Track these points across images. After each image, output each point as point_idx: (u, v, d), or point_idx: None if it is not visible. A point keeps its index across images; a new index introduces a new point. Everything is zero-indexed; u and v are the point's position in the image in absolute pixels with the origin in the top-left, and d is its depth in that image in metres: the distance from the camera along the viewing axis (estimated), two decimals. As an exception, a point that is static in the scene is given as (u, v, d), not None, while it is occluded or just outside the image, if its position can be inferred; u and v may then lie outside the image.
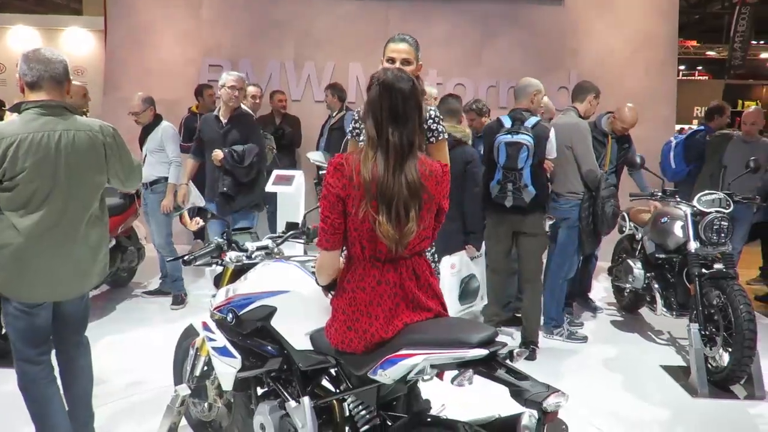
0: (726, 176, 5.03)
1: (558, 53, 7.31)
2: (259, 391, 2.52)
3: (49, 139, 2.47)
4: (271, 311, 2.26)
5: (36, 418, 2.65)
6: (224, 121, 4.58)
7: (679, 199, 4.47)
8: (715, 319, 3.94)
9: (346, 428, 2.20)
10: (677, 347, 4.64)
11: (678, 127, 9.20)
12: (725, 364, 3.82)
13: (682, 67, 21.55)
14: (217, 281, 2.70)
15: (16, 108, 2.56)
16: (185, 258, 2.49)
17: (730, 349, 3.79)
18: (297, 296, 2.22)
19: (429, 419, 2.00)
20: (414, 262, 1.99)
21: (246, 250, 2.53)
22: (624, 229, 5.29)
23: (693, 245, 4.17)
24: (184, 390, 2.79)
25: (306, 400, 2.16)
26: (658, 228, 4.62)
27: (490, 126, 4.40)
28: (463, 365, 1.75)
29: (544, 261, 4.63)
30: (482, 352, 1.72)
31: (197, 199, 5.39)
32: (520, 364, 1.82)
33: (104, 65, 7.95)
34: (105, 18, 8.14)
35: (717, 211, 4.16)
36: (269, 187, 5.26)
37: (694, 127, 7.37)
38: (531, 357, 4.18)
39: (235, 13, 7.36)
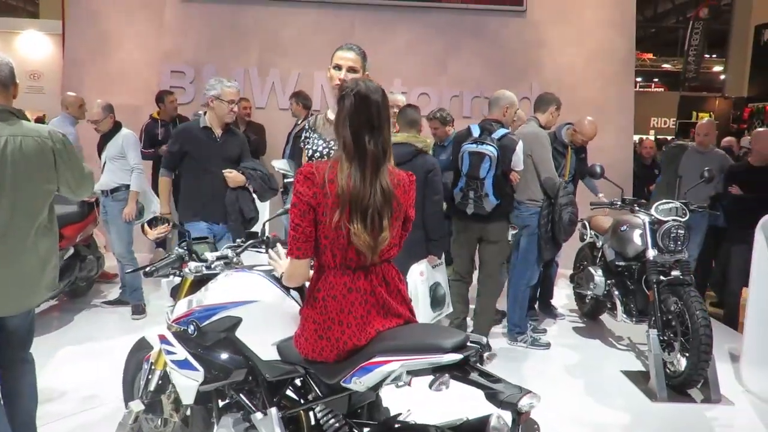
0: (681, 186, 5.18)
1: (520, 64, 7.44)
2: (220, 403, 2.46)
3: None
4: (236, 322, 2.21)
5: None
6: (218, 134, 4.07)
7: (637, 208, 4.58)
8: (672, 324, 4.04)
9: None
10: (637, 352, 4.74)
11: (636, 137, 9.43)
12: (683, 369, 3.92)
13: (638, 79, 22.16)
14: (174, 293, 2.61)
15: None
16: (147, 269, 2.41)
17: (687, 354, 3.89)
18: (264, 306, 2.18)
19: (399, 425, 2.00)
20: (384, 269, 2.01)
21: (205, 261, 2.46)
22: (585, 237, 5.39)
23: (651, 253, 4.27)
24: (138, 406, 2.67)
25: (273, 410, 2.13)
26: (617, 236, 4.73)
27: (460, 134, 4.52)
28: (437, 370, 1.77)
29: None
30: (457, 356, 1.74)
31: (158, 207, 5.30)
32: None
33: (63, 70, 7.78)
34: (63, 22, 7.99)
35: (674, 220, 4.28)
36: (233, 195, 5.21)
37: (651, 137, 7.59)
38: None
39: (198, 19, 7.28)
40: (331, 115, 2.86)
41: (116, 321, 4.99)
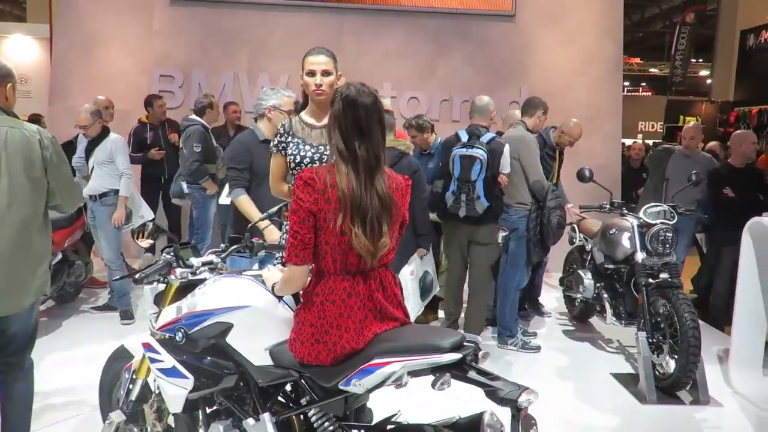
0: (669, 189, 5.22)
1: (509, 68, 7.48)
2: (208, 410, 2.42)
3: None
4: (227, 328, 2.18)
5: None
6: None
7: (626, 211, 4.61)
8: (661, 327, 4.07)
9: None
10: (626, 355, 4.76)
11: (623, 141, 9.51)
12: (672, 371, 3.94)
13: (626, 84, 22.33)
14: (158, 299, 2.56)
15: None
16: (136, 276, 2.35)
17: (676, 356, 3.92)
18: (256, 311, 2.17)
19: (392, 425, 2.01)
20: (381, 274, 2.03)
21: (191, 266, 2.41)
22: (574, 240, 5.42)
23: (640, 256, 4.29)
24: (119, 417, 2.61)
25: (267, 416, 2.12)
26: (606, 239, 4.76)
27: (449, 140, 4.63)
28: (436, 370, 1.81)
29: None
30: (456, 356, 1.79)
31: (146, 212, 5.27)
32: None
33: (50, 74, 7.73)
34: (50, 26, 7.93)
35: (662, 223, 4.31)
36: (223, 200, 5.19)
37: (639, 142, 7.66)
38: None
39: (187, 23, 7.26)
40: (307, 118, 2.86)
41: (105, 326, 4.94)
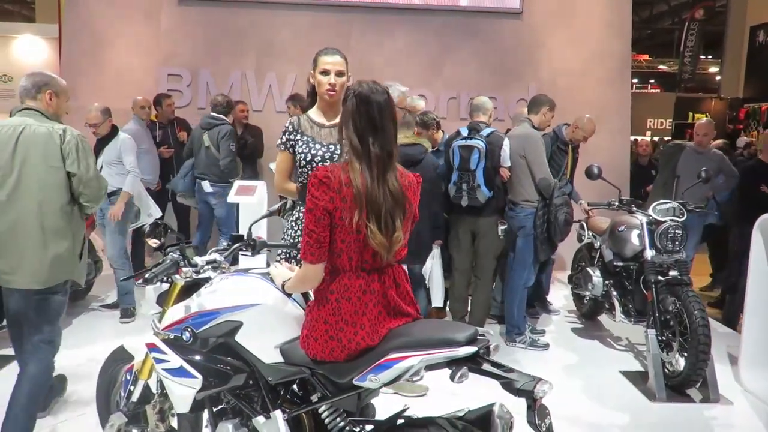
0: (679, 186, 5.19)
1: (517, 66, 7.45)
2: (213, 410, 2.41)
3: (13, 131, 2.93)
4: (236, 326, 2.18)
5: None
6: None
7: (635, 209, 4.59)
8: (671, 324, 4.05)
9: None
10: (635, 353, 4.75)
11: (632, 138, 9.46)
12: (681, 369, 3.93)
13: (634, 81, 22.23)
14: (162, 299, 2.54)
15: None
16: (146, 276, 2.33)
17: (685, 354, 3.90)
18: (266, 309, 2.17)
19: (403, 420, 2.02)
20: (394, 271, 2.06)
21: (195, 265, 2.39)
22: (583, 238, 5.40)
23: (649, 253, 4.27)
24: (120, 418, 2.60)
25: (278, 413, 2.13)
26: (615, 237, 4.74)
27: (451, 136, 4.74)
28: (452, 363, 1.84)
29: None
30: (472, 349, 1.82)
31: (154, 211, 5.28)
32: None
33: (59, 74, 7.75)
34: (59, 26, 7.96)
35: (672, 220, 4.29)
36: (231, 198, 5.22)
37: (647, 138, 7.59)
38: None
39: (194, 23, 7.28)
40: (315, 117, 2.87)
41: (114, 324, 4.98)
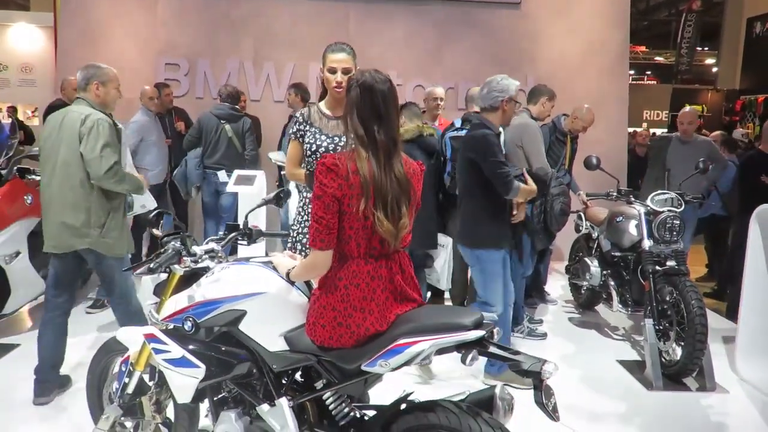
0: (671, 177, 5.20)
1: (515, 56, 7.45)
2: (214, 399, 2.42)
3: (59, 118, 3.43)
4: (240, 315, 2.18)
5: None
6: None
7: (633, 199, 4.60)
8: (668, 314, 4.08)
9: (324, 423, 2.20)
10: (632, 342, 4.78)
11: (630, 129, 9.48)
12: (678, 358, 3.96)
13: (631, 72, 22.14)
14: (159, 290, 2.52)
15: None
16: (151, 266, 2.28)
17: (682, 343, 3.93)
18: (271, 298, 2.17)
19: (406, 404, 2.05)
20: (400, 257, 2.09)
21: (194, 255, 2.38)
22: (580, 228, 5.42)
23: (647, 243, 4.29)
24: (116, 411, 2.57)
25: (283, 400, 2.14)
26: (613, 227, 4.76)
27: (446, 128, 4.85)
28: (460, 347, 1.89)
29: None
30: (480, 332, 1.88)
31: (148, 201, 5.25)
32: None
33: (56, 63, 7.73)
34: (54, 14, 7.92)
35: (669, 210, 4.31)
36: (231, 188, 5.21)
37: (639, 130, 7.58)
38: None
39: (192, 12, 7.25)
40: (324, 109, 2.89)
41: (112, 315, 4.97)
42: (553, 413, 1.81)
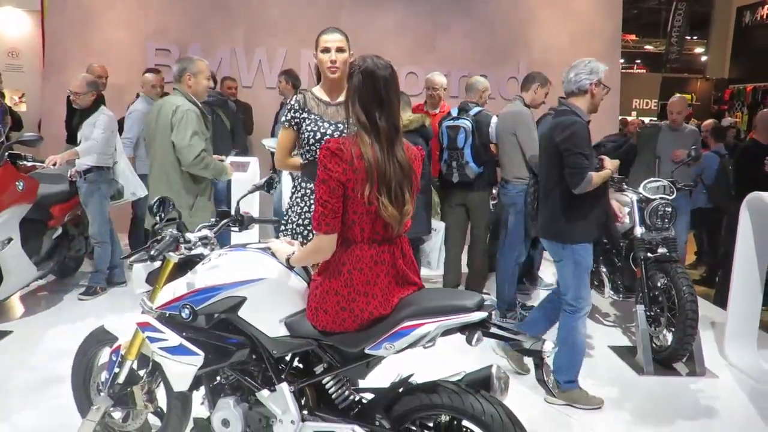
0: (660, 166, 5.23)
1: (508, 44, 7.45)
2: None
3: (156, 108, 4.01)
4: (239, 301, 2.17)
5: None
6: None
7: (625, 186, 4.63)
8: (659, 300, 4.12)
9: (323, 407, 2.21)
10: (624, 328, 4.83)
11: (620, 118, 9.53)
12: (669, 344, 4.01)
13: (621, 61, 22.19)
14: (151, 278, 2.48)
15: None
16: (152, 253, 2.25)
17: (673, 329, 3.98)
18: (271, 283, 2.17)
19: (408, 387, 2.08)
20: (402, 241, 2.10)
21: (189, 242, 2.36)
22: (572, 215, 5.43)
23: (639, 230, 4.32)
24: (106, 401, 2.53)
25: (284, 385, 2.15)
26: (605, 214, 4.79)
27: (443, 117, 4.93)
28: (464, 328, 1.94)
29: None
30: (483, 314, 1.93)
31: (138, 189, 5.22)
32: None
33: (44, 48, 7.63)
34: (41, -2, 7.80)
35: (661, 198, 4.34)
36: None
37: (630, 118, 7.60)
38: None
39: (182, -4, 7.17)
40: (320, 95, 2.87)
41: (106, 300, 4.98)
42: (552, 389, 1.89)
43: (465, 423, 2.03)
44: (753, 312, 4.28)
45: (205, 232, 2.47)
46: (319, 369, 2.19)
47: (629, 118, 10.38)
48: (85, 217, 5.16)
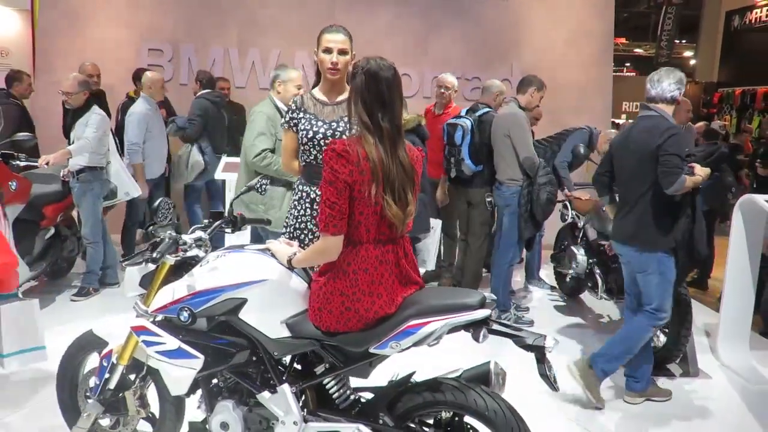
0: None
1: (501, 46, 7.47)
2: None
3: None
4: (240, 303, 2.14)
5: None
6: None
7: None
8: (653, 302, 4.14)
9: (324, 407, 2.21)
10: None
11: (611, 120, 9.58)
12: (662, 344, 4.03)
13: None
14: (145, 281, 2.44)
15: None
16: (154, 256, 2.23)
17: (666, 330, 4.00)
18: (273, 285, 2.15)
19: (407, 385, 2.10)
20: (404, 241, 2.12)
21: (185, 243, 2.33)
22: (566, 217, 5.47)
23: (633, 232, 4.34)
24: (97, 407, 2.48)
25: (286, 386, 2.15)
26: (599, 216, 4.82)
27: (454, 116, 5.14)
28: (468, 326, 1.99)
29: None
30: (487, 311, 1.98)
31: (132, 189, 5.19)
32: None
33: (35, 47, 7.57)
34: (32, -3, 7.73)
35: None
36: (218, 174, 5.18)
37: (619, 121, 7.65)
38: None
39: (175, -4, 7.13)
40: (318, 95, 2.86)
41: (98, 300, 4.95)
42: (554, 383, 1.98)
43: (466, 419, 2.05)
44: (745, 313, 4.32)
45: (200, 233, 2.44)
46: (320, 369, 2.18)
47: (620, 121, 10.41)
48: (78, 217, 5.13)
